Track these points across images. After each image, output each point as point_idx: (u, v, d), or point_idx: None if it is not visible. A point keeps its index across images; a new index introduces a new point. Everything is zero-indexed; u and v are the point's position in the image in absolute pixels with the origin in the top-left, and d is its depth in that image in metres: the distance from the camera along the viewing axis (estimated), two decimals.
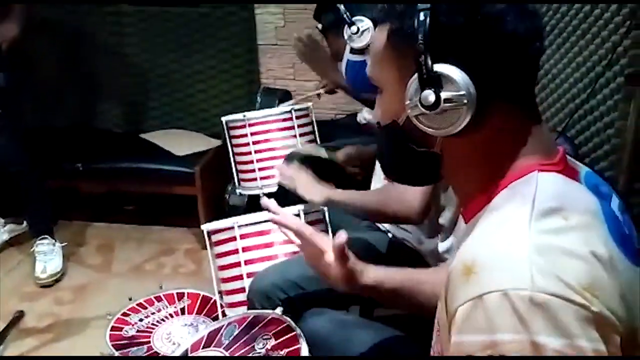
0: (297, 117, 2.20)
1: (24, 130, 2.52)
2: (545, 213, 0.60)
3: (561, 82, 1.68)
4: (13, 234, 2.76)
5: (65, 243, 2.59)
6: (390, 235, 1.53)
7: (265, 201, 1.14)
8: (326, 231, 1.56)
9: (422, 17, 0.63)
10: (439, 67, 0.63)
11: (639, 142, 1.34)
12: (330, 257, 0.95)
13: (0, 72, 2.39)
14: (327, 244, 0.97)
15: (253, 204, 2.31)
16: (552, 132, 1.67)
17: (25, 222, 2.72)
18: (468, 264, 0.58)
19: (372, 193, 1.44)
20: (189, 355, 0.97)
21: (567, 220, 0.59)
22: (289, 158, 2.08)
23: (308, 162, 1.99)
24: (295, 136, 2.18)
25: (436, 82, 0.63)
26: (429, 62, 0.63)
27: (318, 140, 2.33)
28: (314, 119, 2.31)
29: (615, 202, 0.69)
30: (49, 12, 2.98)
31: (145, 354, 1.57)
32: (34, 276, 2.42)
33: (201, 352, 0.97)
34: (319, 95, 2.43)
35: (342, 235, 0.91)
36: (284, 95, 2.78)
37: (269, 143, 2.16)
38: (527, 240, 0.57)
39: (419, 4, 0.64)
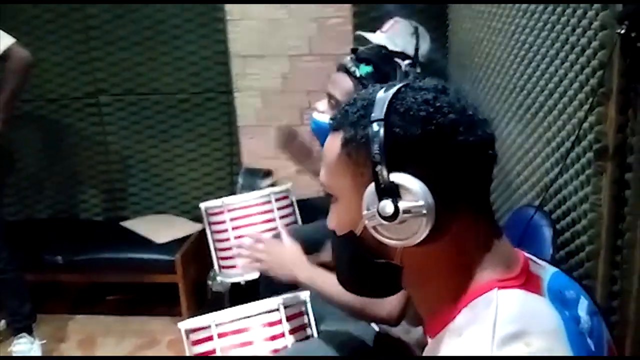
0: (276, 200, 2.20)
1: (4, 224, 2.49)
2: (507, 340, 0.58)
3: (534, 155, 1.69)
4: None
5: (45, 341, 2.51)
6: (374, 326, 1.49)
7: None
8: (308, 324, 1.51)
9: (375, 127, 0.63)
10: (395, 177, 0.62)
11: (615, 216, 1.33)
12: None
13: None
14: None
15: (237, 290, 2.26)
16: (530, 208, 1.66)
17: (3, 321, 2.63)
18: None
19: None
20: None
21: (529, 347, 0.58)
22: None
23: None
24: (274, 219, 2.16)
25: (394, 192, 0.62)
26: (385, 172, 0.62)
27: (299, 221, 2.32)
28: (294, 200, 2.30)
29: (583, 305, 0.67)
30: (29, 107, 3.03)
31: None
32: None
33: None
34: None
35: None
36: (265, 175, 2.80)
37: (248, 228, 2.14)
38: None
39: (372, 114, 0.63)
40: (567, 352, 0.60)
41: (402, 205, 0.62)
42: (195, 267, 2.65)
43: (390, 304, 1.26)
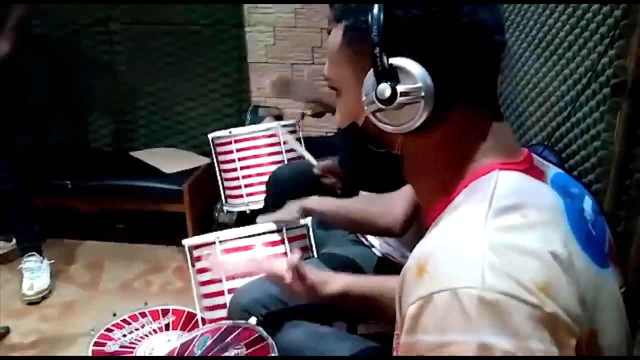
0: (283, 133, 2.20)
1: (14, 147, 2.51)
2: (503, 210, 0.58)
3: (549, 95, 1.67)
4: (1, 252, 2.75)
5: (53, 260, 2.57)
6: (374, 250, 1.51)
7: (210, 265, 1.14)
8: (309, 247, 1.54)
9: (375, 11, 0.62)
10: (395, 61, 0.62)
11: (625, 154, 1.33)
12: (288, 279, 0.95)
13: None
14: (281, 268, 0.97)
15: (242, 221, 2.29)
16: (538, 146, 1.66)
17: (13, 240, 2.69)
18: (422, 262, 0.57)
19: (356, 200, 1.41)
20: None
21: (526, 218, 0.57)
22: (276, 173, 2.07)
23: (294, 177, 1.97)
24: (281, 152, 2.17)
25: (392, 75, 0.62)
26: (384, 55, 0.61)
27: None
28: (301, 136, 2.30)
29: (587, 202, 0.67)
30: (41, 30, 3.00)
31: None
32: (21, 293, 2.39)
33: None
34: (302, 115, 2.42)
35: (294, 257, 0.91)
36: (274, 113, 2.79)
37: (255, 159, 2.15)
38: (481, 237, 0.55)
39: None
40: (565, 229, 0.60)
41: (400, 88, 0.61)
42: (202, 199, 2.68)
43: (394, 213, 1.28)
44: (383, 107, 0.63)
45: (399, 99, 0.62)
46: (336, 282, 0.95)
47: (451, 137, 0.65)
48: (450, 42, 0.61)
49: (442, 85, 0.61)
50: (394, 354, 0.71)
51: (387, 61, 0.61)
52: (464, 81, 0.63)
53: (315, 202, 1.43)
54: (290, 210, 1.46)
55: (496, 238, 0.55)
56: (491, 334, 0.51)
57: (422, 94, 0.61)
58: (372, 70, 0.63)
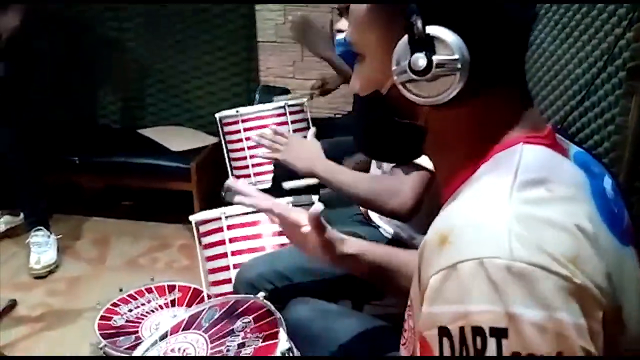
0: (290, 113, 2.19)
1: (22, 121, 2.50)
2: (528, 184, 0.56)
3: (563, 78, 1.65)
4: (9, 226, 2.76)
5: (61, 235, 2.58)
6: (382, 230, 1.50)
7: (232, 184, 1.06)
8: None
9: None
10: (432, 30, 0.59)
11: (639, 138, 1.31)
12: (306, 229, 0.92)
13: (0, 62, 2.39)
14: (303, 217, 0.94)
15: None
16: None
17: (21, 214, 2.71)
18: (444, 234, 0.55)
19: (367, 178, 1.40)
20: (169, 336, 0.95)
21: (551, 192, 0.56)
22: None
23: None
24: (289, 132, 2.15)
25: (428, 44, 0.59)
26: (420, 24, 0.59)
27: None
28: (309, 116, 2.29)
29: (607, 182, 0.66)
30: (51, 6, 2.98)
31: (133, 344, 1.54)
32: (28, 267, 2.41)
33: (180, 335, 0.94)
34: (311, 95, 2.40)
35: (317, 206, 0.88)
36: (283, 93, 2.77)
37: None
38: (507, 209, 0.54)
39: None
40: (590, 205, 0.59)
41: (436, 59, 0.59)
42: (209, 178, 2.68)
43: (404, 195, 1.26)
44: (416, 77, 0.60)
45: (434, 71, 0.59)
46: (352, 244, 0.93)
47: (479, 113, 0.63)
48: (488, 15, 0.59)
49: (477, 58, 0.59)
50: (406, 327, 0.71)
51: (424, 29, 0.59)
52: (498, 55, 0.61)
53: (324, 168, 1.39)
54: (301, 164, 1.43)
55: (522, 210, 0.54)
56: (520, 305, 0.50)
57: (459, 66, 0.58)
58: (405, 37, 0.60)
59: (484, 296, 0.51)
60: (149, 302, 1.80)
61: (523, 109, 0.64)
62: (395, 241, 1.45)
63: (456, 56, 0.58)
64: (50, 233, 2.53)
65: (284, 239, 1.45)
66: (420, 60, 0.59)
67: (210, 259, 1.48)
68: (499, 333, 0.50)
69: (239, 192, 1.03)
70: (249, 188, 1.05)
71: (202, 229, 1.51)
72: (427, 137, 0.68)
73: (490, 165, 0.61)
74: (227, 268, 1.43)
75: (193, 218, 1.51)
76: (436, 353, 0.53)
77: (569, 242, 0.53)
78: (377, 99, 0.68)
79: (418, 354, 0.57)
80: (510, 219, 0.53)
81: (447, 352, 0.52)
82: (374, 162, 1.57)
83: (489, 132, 0.63)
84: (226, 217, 1.45)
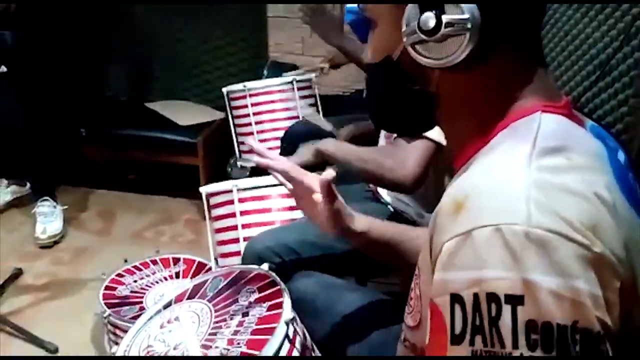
0: (299, 89, 2.17)
1: (30, 91, 2.50)
2: (547, 151, 0.55)
3: (577, 58, 1.63)
4: (16, 195, 2.76)
5: (67, 206, 2.58)
6: (390, 208, 1.50)
7: (254, 145, 1.08)
8: None
9: None
10: None
11: None
12: (318, 196, 0.92)
13: (8, 31, 2.37)
14: (316, 183, 0.93)
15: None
16: None
17: (28, 185, 2.72)
18: (459, 200, 0.54)
19: (371, 150, 1.39)
20: (173, 304, 0.95)
21: (570, 161, 0.55)
22: (292, 128, 2.05)
23: (310, 134, 1.95)
24: (297, 108, 2.14)
25: (437, 3, 0.58)
26: None
27: (321, 113, 2.29)
28: (317, 92, 2.27)
29: (621, 157, 0.65)
30: None
31: (137, 314, 1.55)
32: (34, 237, 2.42)
33: (185, 303, 0.94)
34: (322, 69, 2.38)
35: (330, 173, 0.88)
36: (291, 69, 2.74)
37: (270, 114, 2.13)
38: (525, 176, 0.53)
39: None
40: (609, 175, 0.58)
41: (445, 18, 0.58)
42: (216, 153, 2.67)
43: (408, 166, 1.25)
44: (425, 38, 0.59)
45: (443, 30, 0.58)
46: (360, 221, 0.93)
47: (492, 77, 0.61)
48: None
49: (489, 19, 0.58)
50: (412, 295, 0.71)
51: None
52: (512, 18, 0.59)
53: (330, 144, 1.42)
54: (304, 152, 1.45)
55: (541, 177, 0.53)
56: (536, 271, 0.49)
57: (469, 26, 0.57)
58: None
59: (500, 263, 0.50)
60: (153, 273, 1.81)
61: (538, 77, 0.62)
62: (403, 219, 1.44)
63: (466, 16, 0.57)
64: (57, 203, 2.53)
65: (294, 214, 1.46)
66: (430, 19, 0.58)
67: (219, 231, 1.48)
68: (515, 300, 0.49)
69: (256, 152, 1.04)
70: (265, 149, 1.05)
71: (213, 200, 1.50)
72: (438, 103, 0.67)
73: (508, 133, 0.60)
74: (236, 240, 1.43)
75: (204, 189, 1.51)
76: (447, 319, 0.52)
77: (588, 210, 0.52)
78: (389, 65, 0.68)
79: (427, 321, 0.57)
80: (529, 185, 0.52)
81: (458, 318, 0.52)
82: (381, 137, 1.56)
83: (503, 97, 0.62)
84: (238, 189, 1.45)
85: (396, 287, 1.63)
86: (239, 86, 2.16)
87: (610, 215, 0.53)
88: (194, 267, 1.81)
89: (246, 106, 2.16)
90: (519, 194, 0.52)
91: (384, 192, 1.51)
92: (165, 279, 1.78)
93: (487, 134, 0.62)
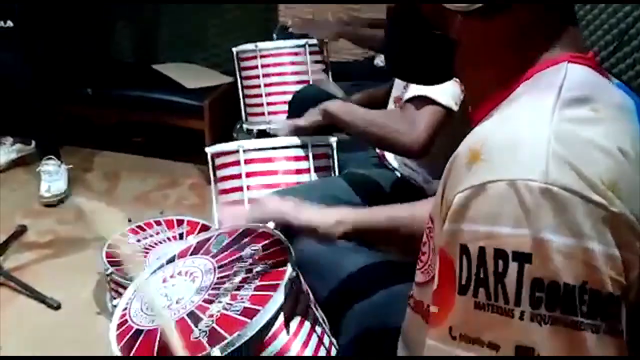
0: (310, 53, 2.13)
1: (35, 47, 2.46)
2: (572, 102, 0.53)
3: (595, 28, 1.58)
4: (21, 154, 2.76)
5: (71, 166, 2.58)
6: (397, 173, 1.48)
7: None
8: (332, 167, 1.51)
9: None
10: None
11: None
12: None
13: None
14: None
15: None
16: None
17: (33, 143, 2.71)
18: (475, 149, 0.52)
19: (379, 113, 1.37)
20: (177, 259, 0.94)
21: (596, 113, 0.53)
22: (301, 92, 2.02)
23: (319, 99, 1.92)
24: (307, 72, 2.10)
25: None
26: None
27: (330, 79, 2.26)
28: (328, 59, 2.23)
29: None
30: None
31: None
32: (39, 195, 2.43)
33: (188, 259, 0.93)
34: (337, 35, 2.33)
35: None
36: (302, 36, 2.70)
37: (279, 77, 2.09)
38: (547, 126, 0.51)
39: None
40: (635, 129, 0.56)
41: None
42: (222, 117, 2.65)
43: (416, 130, 1.23)
44: None
45: None
46: (346, 222, 0.92)
47: (517, 26, 0.59)
48: None
49: None
50: (424, 250, 0.69)
51: None
52: None
53: (337, 105, 1.40)
54: (312, 113, 1.43)
55: (564, 128, 0.51)
56: (549, 230, 0.47)
57: None
58: None
59: (512, 219, 0.48)
60: (157, 234, 1.81)
61: (565, 27, 0.60)
62: (410, 185, 1.43)
63: None
64: (61, 162, 2.53)
65: (299, 178, 1.45)
66: None
67: (224, 192, 1.46)
68: (523, 258, 0.48)
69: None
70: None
71: (218, 161, 1.48)
72: (458, 52, 0.64)
73: (532, 83, 0.58)
74: (241, 202, 1.41)
75: (209, 150, 1.49)
76: (456, 269, 0.51)
77: (610, 166, 0.50)
78: (409, 10, 0.66)
79: (437, 272, 0.55)
80: (550, 137, 0.50)
81: (465, 269, 0.51)
82: (390, 103, 1.54)
83: (527, 47, 0.59)
84: (244, 150, 1.42)
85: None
86: (250, 46, 2.12)
87: (634, 171, 0.52)
88: (197, 229, 1.81)
89: (256, 67, 2.12)
90: (539, 147, 0.50)
91: (391, 157, 1.49)
92: (169, 239, 1.78)
93: (510, 85, 0.59)
